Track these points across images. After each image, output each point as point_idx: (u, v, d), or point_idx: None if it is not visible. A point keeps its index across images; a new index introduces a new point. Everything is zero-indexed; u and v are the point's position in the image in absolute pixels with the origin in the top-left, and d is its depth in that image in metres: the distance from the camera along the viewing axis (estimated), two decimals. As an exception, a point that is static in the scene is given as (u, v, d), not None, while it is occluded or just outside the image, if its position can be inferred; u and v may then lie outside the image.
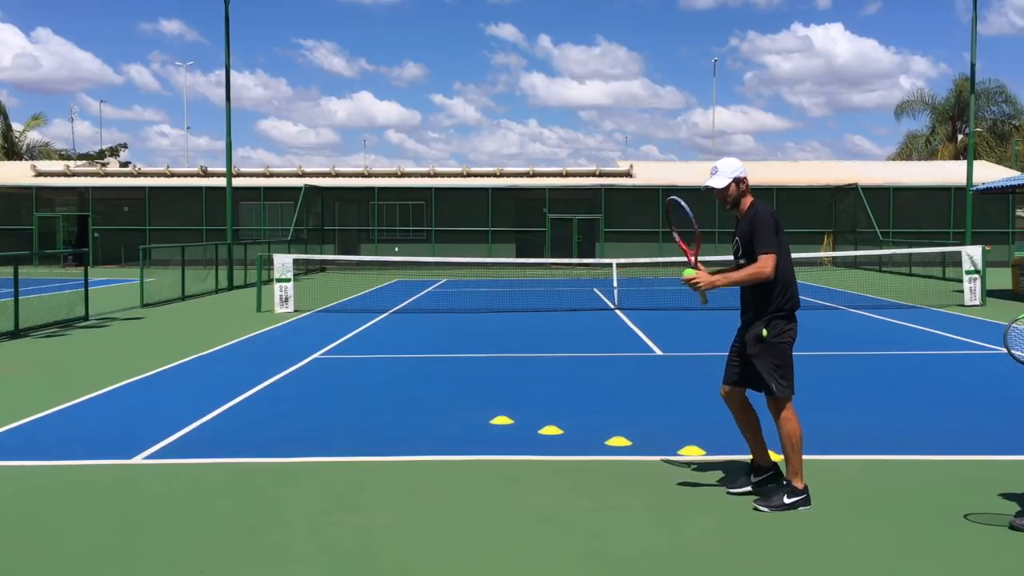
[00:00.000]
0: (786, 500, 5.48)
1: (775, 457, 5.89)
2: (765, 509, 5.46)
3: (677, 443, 7.02)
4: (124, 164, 49.85)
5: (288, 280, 18.32)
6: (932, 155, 53.04)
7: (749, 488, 5.78)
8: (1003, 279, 23.70)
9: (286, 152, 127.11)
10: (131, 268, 32.11)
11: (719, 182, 5.62)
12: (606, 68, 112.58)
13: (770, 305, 5.50)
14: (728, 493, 5.79)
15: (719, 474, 6.24)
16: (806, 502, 5.51)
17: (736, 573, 4.59)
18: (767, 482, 5.77)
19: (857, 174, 39.29)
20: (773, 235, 5.46)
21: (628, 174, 39.85)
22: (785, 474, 5.61)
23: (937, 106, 54.97)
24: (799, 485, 5.51)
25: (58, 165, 43.53)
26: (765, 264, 5.40)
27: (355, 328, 15.13)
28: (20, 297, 14.57)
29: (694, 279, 5.56)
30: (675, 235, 5.93)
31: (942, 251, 27.04)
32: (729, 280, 5.54)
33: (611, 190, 37.89)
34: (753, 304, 5.59)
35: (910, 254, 28.73)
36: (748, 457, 6.00)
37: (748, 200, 5.69)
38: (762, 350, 5.50)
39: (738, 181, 5.63)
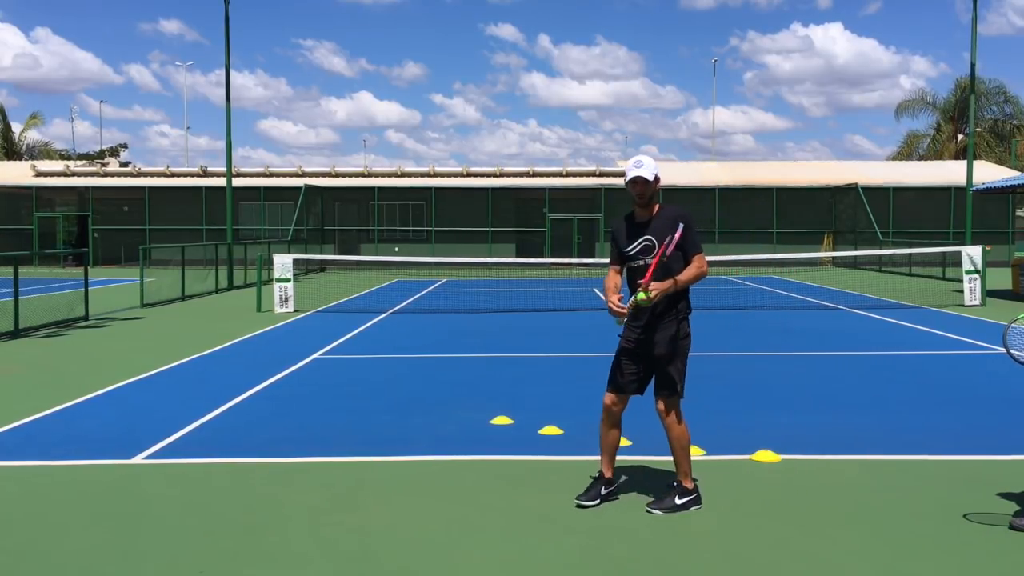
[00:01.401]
0: (678, 501, 5.48)
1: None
2: (659, 512, 5.43)
3: (677, 443, 7.01)
4: (124, 164, 49.77)
5: (288, 280, 18.32)
6: (938, 155, 53.03)
7: (598, 501, 5.57)
8: (1003, 279, 23.70)
9: (286, 152, 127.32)
10: (131, 268, 32.11)
11: (649, 173, 5.44)
12: (606, 68, 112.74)
13: (680, 305, 5.47)
14: (648, 510, 5.49)
15: (719, 474, 6.24)
16: (697, 501, 5.52)
17: (736, 573, 4.59)
18: (613, 494, 5.66)
19: (857, 174, 39.27)
20: (697, 235, 5.48)
21: (628, 174, 39.80)
22: (677, 475, 5.58)
23: (938, 106, 55.02)
24: (689, 485, 5.53)
25: (58, 165, 43.52)
26: (703, 263, 5.44)
27: (355, 328, 15.13)
28: (20, 297, 14.57)
29: (652, 296, 5.29)
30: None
31: (942, 251, 27.04)
32: (679, 284, 5.37)
33: (611, 190, 37.85)
34: (664, 305, 5.42)
35: (910, 254, 28.71)
36: (745, 457, 5.99)
37: (656, 203, 5.57)
38: (674, 352, 5.48)
39: (657, 179, 5.52)
